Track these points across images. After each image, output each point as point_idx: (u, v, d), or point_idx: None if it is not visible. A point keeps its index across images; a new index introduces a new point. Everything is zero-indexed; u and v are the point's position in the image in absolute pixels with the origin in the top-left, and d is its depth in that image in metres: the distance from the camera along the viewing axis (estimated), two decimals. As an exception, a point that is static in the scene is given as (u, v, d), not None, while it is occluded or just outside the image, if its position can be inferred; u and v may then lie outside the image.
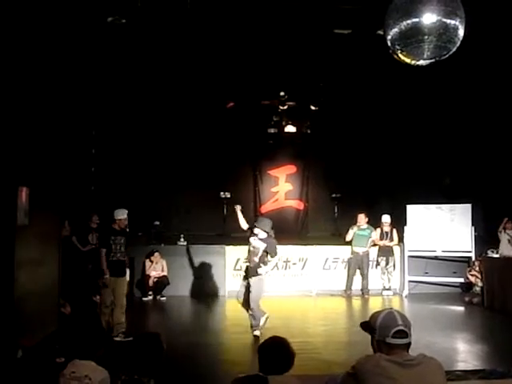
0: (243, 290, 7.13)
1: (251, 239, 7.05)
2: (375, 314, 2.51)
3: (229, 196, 11.88)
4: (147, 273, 10.07)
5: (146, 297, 10.03)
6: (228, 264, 10.44)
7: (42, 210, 6.20)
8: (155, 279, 10.00)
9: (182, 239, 10.88)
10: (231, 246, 10.57)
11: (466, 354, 6.37)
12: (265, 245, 6.94)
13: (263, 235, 6.98)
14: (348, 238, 10.41)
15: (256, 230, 7.00)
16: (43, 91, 6.74)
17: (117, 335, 6.66)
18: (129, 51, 8.30)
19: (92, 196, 10.72)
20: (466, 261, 10.30)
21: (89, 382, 2.94)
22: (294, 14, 7.27)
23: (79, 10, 6.59)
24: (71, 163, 9.00)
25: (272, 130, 12.71)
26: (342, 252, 10.63)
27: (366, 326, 2.52)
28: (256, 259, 6.96)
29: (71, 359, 3.08)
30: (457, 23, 3.82)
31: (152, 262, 10.14)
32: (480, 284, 9.49)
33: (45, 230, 6.49)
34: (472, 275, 9.80)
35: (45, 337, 6.02)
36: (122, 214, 7.09)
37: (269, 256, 7.02)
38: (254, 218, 13.20)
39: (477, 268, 9.74)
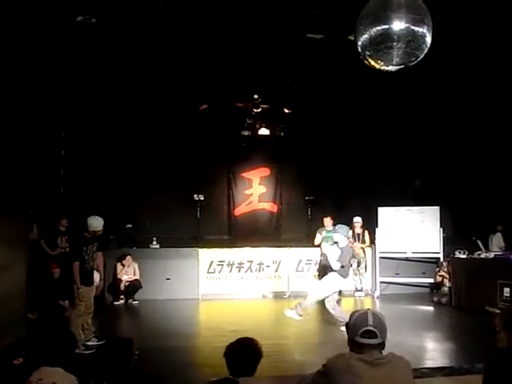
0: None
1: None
2: (352, 313, 2.56)
3: (202, 198, 11.82)
4: (119, 277, 9.95)
5: (118, 301, 9.91)
6: (201, 267, 10.40)
7: (8, 213, 6.08)
8: (127, 283, 9.89)
9: (155, 242, 10.80)
10: (204, 249, 10.56)
11: (433, 352, 6.51)
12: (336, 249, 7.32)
13: (338, 239, 7.31)
14: (317, 242, 10.41)
15: (335, 235, 7.40)
16: (11, 91, 6.62)
17: (89, 340, 6.53)
18: (100, 51, 8.20)
19: (61, 198, 10.54)
20: (435, 262, 10.50)
21: (57, 389, 2.88)
22: (267, 18, 7.31)
23: (48, 9, 6.48)
24: (40, 165, 8.85)
25: (246, 133, 12.71)
26: (315, 254, 10.69)
27: (346, 324, 2.57)
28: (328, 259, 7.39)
29: (38, 366, 3.01)
30: (424, 31, 3.91)
31: (124, 265, 10.02)
32: (448, 284, 9.69)
33: (12, 233, 6.36)
34: (440, 275, 10.00)
35: (11, 343, 5.89)
36: (97, 225, 6.53)
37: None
38: (227, 220, 13.34)
39: (445, 268, 9.94)
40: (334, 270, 7.22)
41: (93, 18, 6.85)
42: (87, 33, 7.28)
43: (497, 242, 10.75)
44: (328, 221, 10.47)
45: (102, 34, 7.49)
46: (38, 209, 8.51)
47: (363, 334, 2.42)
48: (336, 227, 7.59)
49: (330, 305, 7.32)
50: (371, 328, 2.42)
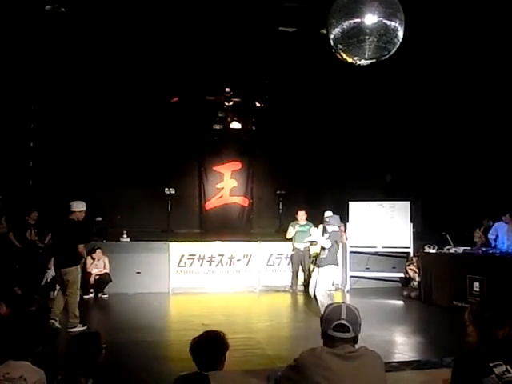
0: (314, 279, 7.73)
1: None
2: (327, 306, 2.56)
3: (173, 192, 11.76)
4: (88, 270, 9.81)
5: (87, 295, 9.77)
6: (172, 260, 10.33)
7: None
8: (97, 277, 9.76)
9: (125, 235, 10.67)
10: (175, 243, 10.48)
11: (403, 346, 6.59)
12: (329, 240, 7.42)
13: (331, 229, 7.46)
14: (289, 235, 10.42)
15: (328, 226, 7.51)
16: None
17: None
18: (69, 41, 8.04)
19: (30, 191, 10.32)
20: (405, 256, 10.66)
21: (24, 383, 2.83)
22: (240, 11, 7.29)
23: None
24: (8, 157, 8.66)
25: (217, 126, 12.69)
26: (286, 248, 10.73)
27: (320, 317, 2.57)
28: (326, 250, 7.46)
29: (5, 360, 2.95)
30: (397, 25, 3.96)
31: (94, 259, 9.88)
32: (418, 278, 9.84)
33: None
34: (410, 270, 10.16)
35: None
36: (82, 206, 6.89)
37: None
38: (198, 214, 13.29)
39: (415, 263, 10.09)
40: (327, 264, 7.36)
41: (61, 7, 6.72)
42: (56, 22, 7.13)
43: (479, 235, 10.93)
44: (302, 214, 10.51)
45: (71, 24, 7.35)
46: (7, 201, 8.33)
47: (336, 328, 2.42)
48: (328, 217, 7.78)
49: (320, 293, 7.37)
50: (344, 322, 2.43)
